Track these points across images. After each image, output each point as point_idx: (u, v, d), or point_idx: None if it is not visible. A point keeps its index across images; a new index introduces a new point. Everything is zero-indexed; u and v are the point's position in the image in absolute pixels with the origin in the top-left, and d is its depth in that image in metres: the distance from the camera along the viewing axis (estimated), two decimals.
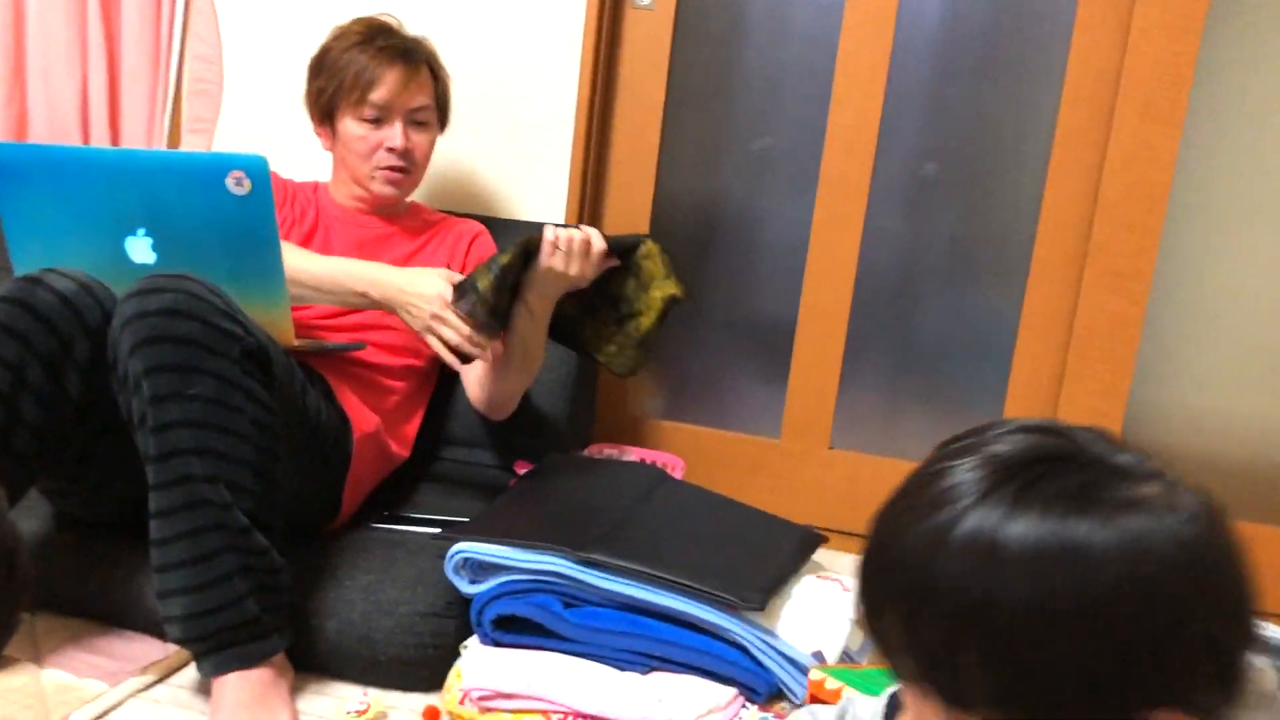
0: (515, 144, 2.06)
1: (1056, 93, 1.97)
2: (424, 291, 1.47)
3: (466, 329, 1.45)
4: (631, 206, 2.17)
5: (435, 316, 1.46)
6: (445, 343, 1.46)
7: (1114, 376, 1.96)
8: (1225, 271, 1.99)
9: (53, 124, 2.18)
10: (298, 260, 1.52)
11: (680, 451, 2.12)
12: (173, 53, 2.16)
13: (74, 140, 2.16)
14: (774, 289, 2.18)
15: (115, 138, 2.20)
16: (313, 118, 1.77)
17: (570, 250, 1.47)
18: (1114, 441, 0.60)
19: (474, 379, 1.70)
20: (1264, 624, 0.63)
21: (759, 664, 1.28)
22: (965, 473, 0.59)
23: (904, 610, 0.59)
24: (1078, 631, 0.54)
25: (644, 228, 2.18)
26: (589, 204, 2.12)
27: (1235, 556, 0.57)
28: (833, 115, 2.07)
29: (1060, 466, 0.58)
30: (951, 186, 2.07)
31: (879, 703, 0.92)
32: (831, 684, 1.15)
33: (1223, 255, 1.98)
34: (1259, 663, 0.61)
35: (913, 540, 0.58)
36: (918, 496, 0.60)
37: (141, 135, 2.17)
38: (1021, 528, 0.55)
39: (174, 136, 2.20)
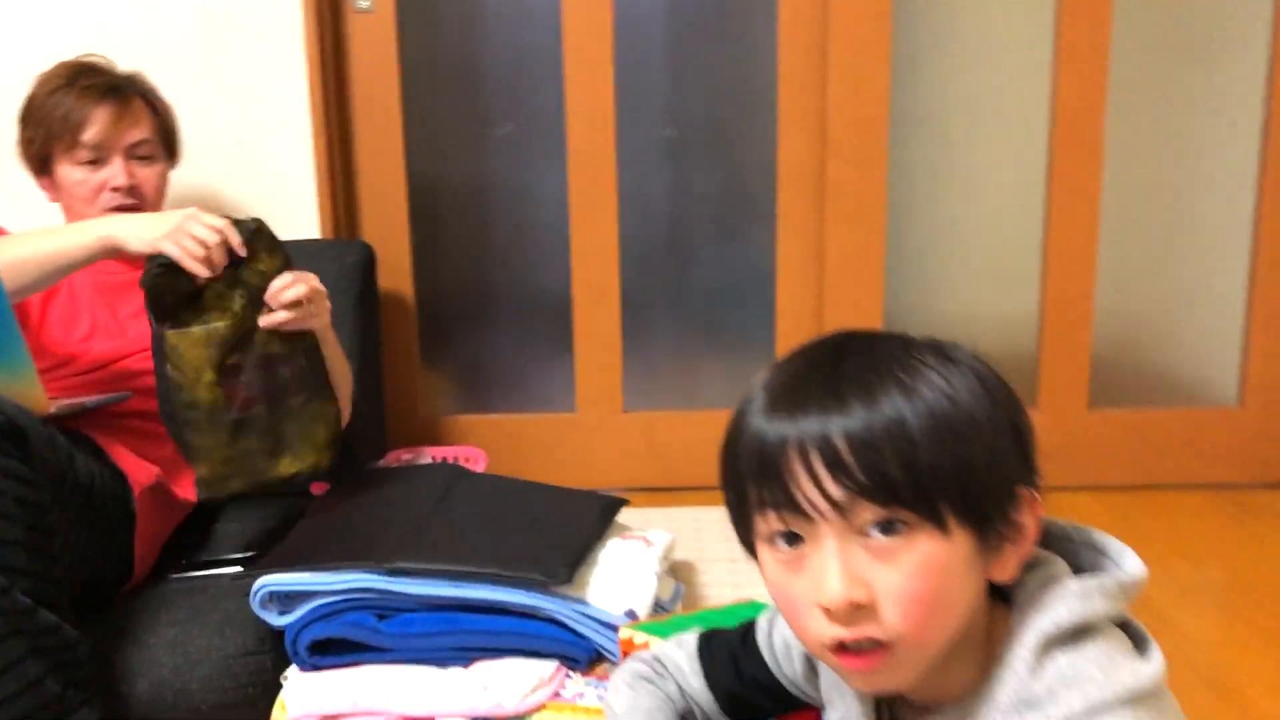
0: (254, 164, 2.02)
1: (775, 43, 2.08)
2: (173, 214, 1.40)
3: (221, 224, 1.37)
4: (386, 207, 2.17)
5: (188, 218, 1.36)
6: (197, 240, 1.35)
7: (866, 299, 2.10)
8: (954, 185, 2.16)
9: None
10: (29, 243, 1.42)
11: (480, 442, 2.15)
12: None
13: None
14: (546, 267, 2.22)
15: None
16: (30, 170, 1.70)
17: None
18: None
19: None
20: None
21: (575, 633, 1.33)
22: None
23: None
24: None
25: (403, 225, 2.18)
26: (342, 210, 2.10)
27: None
28: (569, 92, 2.12)
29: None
30: (694, 146, 2.16)
31: (690, 644, 1.00)
32: (640, 638, 1.21)
33: (950, 171, 2.15)
34: None
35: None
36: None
37: None
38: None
39: None
